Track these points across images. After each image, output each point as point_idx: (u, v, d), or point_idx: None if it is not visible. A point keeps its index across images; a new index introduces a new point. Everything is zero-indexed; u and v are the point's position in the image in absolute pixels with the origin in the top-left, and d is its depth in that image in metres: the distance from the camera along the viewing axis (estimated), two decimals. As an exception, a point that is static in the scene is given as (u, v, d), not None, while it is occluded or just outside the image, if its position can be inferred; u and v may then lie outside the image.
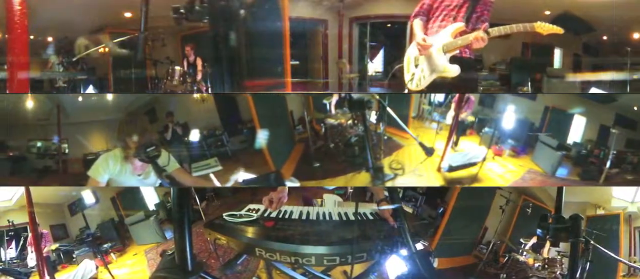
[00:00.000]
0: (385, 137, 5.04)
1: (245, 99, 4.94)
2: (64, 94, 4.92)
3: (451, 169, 4.74)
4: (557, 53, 6.10)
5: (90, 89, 5.71)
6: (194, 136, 5.02)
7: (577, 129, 4.73)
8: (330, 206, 4.47)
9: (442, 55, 3.88)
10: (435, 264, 4.86)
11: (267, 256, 2.74)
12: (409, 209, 5.33)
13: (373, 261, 3.52)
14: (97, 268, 5.15)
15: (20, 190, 5.07)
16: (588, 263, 3.21)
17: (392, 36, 6.79)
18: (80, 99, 4.88)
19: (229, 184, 4.67)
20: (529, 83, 5.77)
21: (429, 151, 4.77)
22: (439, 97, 5.20)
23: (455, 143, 4.97)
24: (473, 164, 4.73)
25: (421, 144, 4.77)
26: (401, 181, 4.70)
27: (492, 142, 4.82)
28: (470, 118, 5.00)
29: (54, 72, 5.52)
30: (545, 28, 3.62)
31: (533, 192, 5.21)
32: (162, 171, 3.65)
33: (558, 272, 4.61)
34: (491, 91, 5.65)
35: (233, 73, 4.01)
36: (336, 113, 5.13)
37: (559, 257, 4.70)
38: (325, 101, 5.18)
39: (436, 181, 4.73)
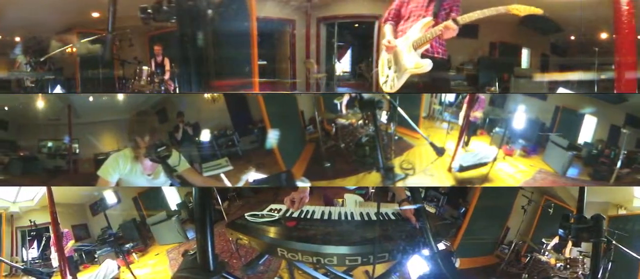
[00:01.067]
0: (396, 137, 4.98)
1: (256, 99, 4.89)
2: (75, 94, 4.84)
3: (462, 169, 4.68)
4: (525, 53, 6.07)
5: (58, 89, 5.63)
6: (205, 136, 4.97)
7: (588, 129, 4.67)
8: (352, 206, 4.42)
9: (412, 52, 3.80)
10: (457, 264, 4.80)
11: (289, 256, 2.67)
12: (431, 209, 5.26)
13: (395, 261, 3.45)
14: (119, 268, 5.10)
15: (42, 190, 5.04)
16: (610, 263, 3.16)
17: (359, 36, 6.78)
18: (90, 99, 4.80)
19: (239, 184, 4.61)
20: (497, 83, 5.75)
21: (440, 151, 4.72)
22: (450, 97, 5.15)
23: (466, 143, 4.91)
24: (484, 164, 4.67)
25: (432, 144, 4.71)
26: (412, 181, 4.64)
27: (503, 142, 4.75)
28: (480, 115, 4.94)
29: (22, 72, 5.46)
30: (521, 10, 3.42)
31: (555, 193, 5.14)
32: (173, 171, 3.58)
33: (580, 272, 4.53)
34: (459, 91, 5.63)
35: (201, 73, 3.98)
36: (347, 113, 5.07)
37: (580, 257, 4.63)
38: (336, 101, 5.12)
39: (447, 181, 4.68)
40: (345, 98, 5.10)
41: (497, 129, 4.91)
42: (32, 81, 5.45)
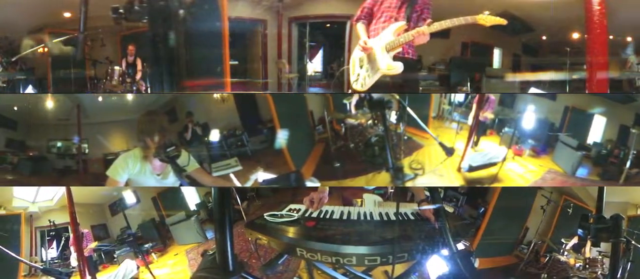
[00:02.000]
0: (405, 137, 4.94)
1: (266, 99, 4.85)
2: (84, 94, 4.79)
3: (471, 169, 4.64)
4: (497, 53, 6.05)
5: (30, 89, 5.60)
6: (214, 136, 4.91)
7: (597, 129, 4.62)
8: (371, 206, 4.38)
9: (385, 54, 3.82)
10: (476, 265, 4.75)
11: (308, 256, 2.62)
12: (450, 209, 5.22)
13: (414, 261, 3.41)
14: (138, 268, 5.08)
15: (61, 190, 5.03)
16: (629, 263, 3.11)
17: (331, 36, 6.77)
18: (100, 99, 4.75)
19: (248, 184, 4.56)
20: (468, 83, 5.71)
21: (449, 151, 4.66)
22: (459, 97, 5.11)
23: (476, 143, 4.86)
24: (493, 164, 4.63)
25: (441, 144, 4.66)
26: (421, 181, 4.59)
27: (512, 142, 4.71)
28: (490, 116, 4.90)
29: (-6, 72, 5.43)
30: (487, 20, 3.50)
31: (574, 193, 5.09)
32: (182, 171, 3.54)
33: (599, 272, 4.48)
34: (431, 91, 5.59)
35: (172, 73, 3.93)
36: (356, 113, 5.02)
37: (600, 257, 4.57)
38: (345, 101, 5.07)
39: (456, 181, 4.64)
40: (355, 98, 5.05)
41: (506, 129, 4.86)
42: (4, 81, 5.41)
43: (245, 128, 4.98)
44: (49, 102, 4.74)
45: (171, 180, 3.83)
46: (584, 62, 4.65)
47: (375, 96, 4.56)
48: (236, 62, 5.93)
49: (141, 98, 4.61)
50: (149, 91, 5.70)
